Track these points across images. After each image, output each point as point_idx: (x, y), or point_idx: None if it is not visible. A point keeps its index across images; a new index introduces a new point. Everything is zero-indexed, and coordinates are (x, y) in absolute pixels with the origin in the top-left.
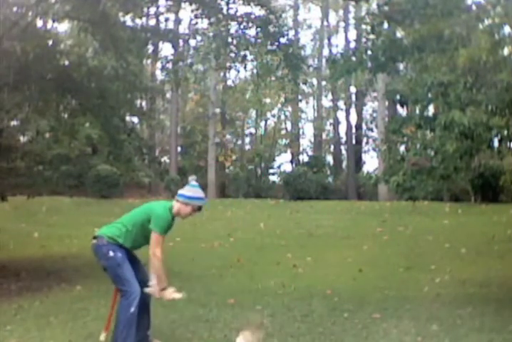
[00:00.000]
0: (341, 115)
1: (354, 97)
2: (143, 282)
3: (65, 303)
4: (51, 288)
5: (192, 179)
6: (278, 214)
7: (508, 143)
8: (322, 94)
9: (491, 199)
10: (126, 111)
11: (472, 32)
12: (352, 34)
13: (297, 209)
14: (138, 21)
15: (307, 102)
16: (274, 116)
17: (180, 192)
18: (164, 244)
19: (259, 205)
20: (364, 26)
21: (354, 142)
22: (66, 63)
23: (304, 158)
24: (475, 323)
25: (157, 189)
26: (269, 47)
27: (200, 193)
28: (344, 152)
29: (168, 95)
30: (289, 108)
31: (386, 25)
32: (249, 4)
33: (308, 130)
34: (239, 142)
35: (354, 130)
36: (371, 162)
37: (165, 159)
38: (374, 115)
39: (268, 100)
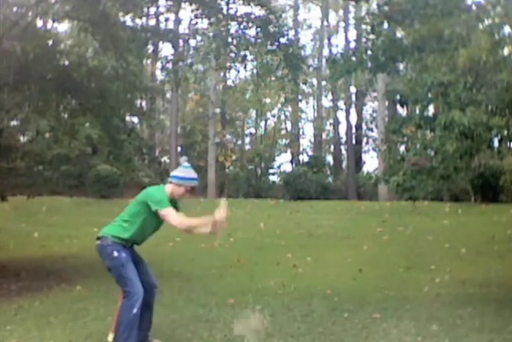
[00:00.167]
0: (341, 115)
1: (354, 97)
2: (148, 283)
3: (65, 303)
4: (51, 288)
5: (185, 160)
6: (278, 214)
7: (508, 143)
8: (322, 94)
9: (491, 199)
10: (126, 111)
11: (472, 32)
12: (352, 34)
13: (297, 209)
14: (138, 21)
15: (307, 102)
16: (274, 116)
17: (173, 173)
18: (181, 214)
19: (259, 205)
20: (364, 26)
21: (354, 142)
22: (66, 63)
23: (304, 158)
24: (475, 323)
25: None
26: (269, 47)
27: (192, 173)
28: (344, 152)
29: (168, 95)
30: (289, 108)
31: (386, 25)
32: (249, 4)
33: (308, 130)
34: (239, 142)
35: (354, 130)
36: (371, 162)
37: (165, 159)
38: (374, 115)
39: (268, 100)
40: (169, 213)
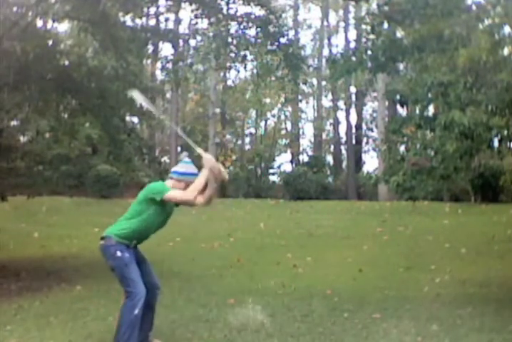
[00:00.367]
0: (341, 115)
1: (354, 97)
2: (151, 284)
3: (65, 303)
4: (51, 288)
5: (185, 156)
6: (278, 214)
7: (508, 143)
8: (322, 94)
9: (491, 199)
10: (126, 111)
11: (472, 32)
12: (352, 34)
13: (297, 209)
14: (138, 21)
15: (307, 102)
16: (274, 116)
17: (173, 169)
18: (182, 191)
19: (259, 205)
20: (364, 26)
21: (354, 142)
22: (66, 63)
23: (304, 158)
24: (475, 323)
25: None
26: (269, 47)
27: (192, 169)
28: (344, 152)
29: (168, 95)
30: (289, 108)
31: (386, 25)
32: (249, 4)
33: (308, 130)
34: (239, 142)
35: (354, 130)
36: (371, 162)
37: (165, 159)
38: (374, 115)
39: (268, 100)
40: (175, 194)
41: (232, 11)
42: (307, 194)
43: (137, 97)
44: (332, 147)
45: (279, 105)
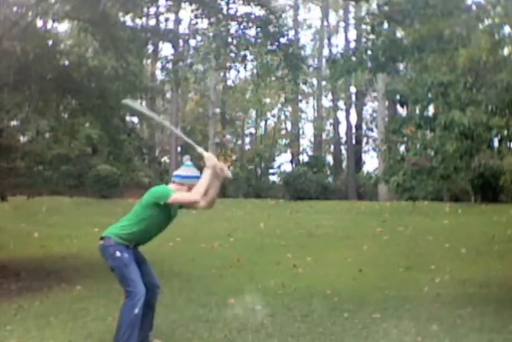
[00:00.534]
0: (341, 115)
1: (354, 97)
2: (151, 284)
3: (65, 303)
4: (51, 288)
5: (187, 159)
6: (278, 214)
7: (508, 143)
8: (322, 94)
9: (491, 199)
10: (126, 111)
11: (472, 32)
12: (352, 34)
13: (297, 209)
14: (138, 21)
15: (307, 102)
16: (274, 116)
17: (175, 172)
18: (186, 193)
19: (259, 205)
20: (364, 26)
21: (354, 142)
22: (66, 63)
23: (304, 158)
24: (475, 323)
25: None
26: (269, 47)
27: (194, 172)
28: (344, 152)
29: (168, 95)
30: (289, 108)
31: (386, 25)
32: (249, 4)
33: (308, 130)
34: (239, 142)
35: (354, 130)
36: (371, 162)
37: (165, 159)
38: (374, 115)
39: (268, 100)
40: (181, 196)
41: (232, 11)
42: (307, 194)
43: (132, 105)
44: (332, 147)
45: (279, 105)
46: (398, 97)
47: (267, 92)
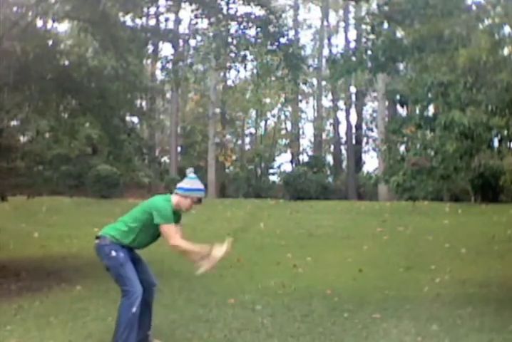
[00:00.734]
0: (341, 115)
1: (354, 97)
2: (147, 282)
3: (65, 303)
4: (51, 288)
5: (190, 172)
6: (278, 214)
7: (508, 143)
8: (322, 94)
9: (491, 199)
10: (126, 111)
11: (472, 32)
12: (352, 34)
13: (297, 209)
14: (138, 21)
15: (307, 102)
16: (274, 116)
17: (179, 185)
18: (179, 231)
19: (259, 205)
20: (364, 26)
21: (354, 142)
22: (66, 63)
23: (304, 158)
24: (475, 323)
25: (157, 189)
26: (269, 47)
27: (198, 184)
28: (344, 152)
29: (168, 95)
30: (289, 108)
31: (386, 25)
32: (249, 4)
33: (308, 130)
34: (239, 142)
35: (354, 130)
36: (371, 162)
37: (165, 159)
38: (374, 115)
39: (268, 100)
40: (170, 231)
41: (232, 11)
42: (307, 194)
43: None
44: (332, 147)
45: (279, 105)
46: (398, 97)
47: (267, 92)
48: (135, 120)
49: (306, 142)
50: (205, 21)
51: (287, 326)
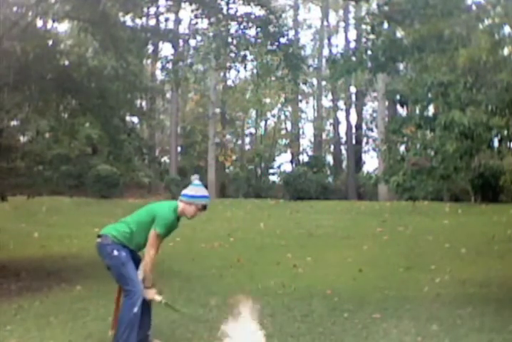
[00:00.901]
0: (341, 115)
1: (354, 97)
2: None
3: (65, 303)
4: (51, 288)
5: (195, 179)
6: (278, 214)
7: (508, 143)
8: (322, 94)
9: (491, 199)
10: (126, 111)
11: (472, 32)
12: (352, 34)
13: (297, 209)
14: (138, 21)
15: (307, 102)
16: (274, 116)
17: (183, 191)
18: (160, 245)
19: (259, 205)
20: (364, 26)
21: (354, 142)
22: (66, 63)
23: (304, 158)
24: (475, 323)
25: (157, 189)
26: (269, 47)
27: (202, 191)
28: (344, 152)
29: (168, 95)
30: (289, 108)
31: (386, 25)
32: (249, 4)
33: (308, 130)
34: (239, 142)
35: (354, 130)
36: (371, 162)
37: (165, 159)
38: (374, 115)
39: (268, 100)
40: (156, 241)
41: (232, 11)
42: (307, 194)
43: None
44: (332, 147)
45: (279, 105)
46: (398, 97)
47: (267, 92)
48: (135, 120)
49: (306, 142)
50: (205, 21)
51: (287, 326)
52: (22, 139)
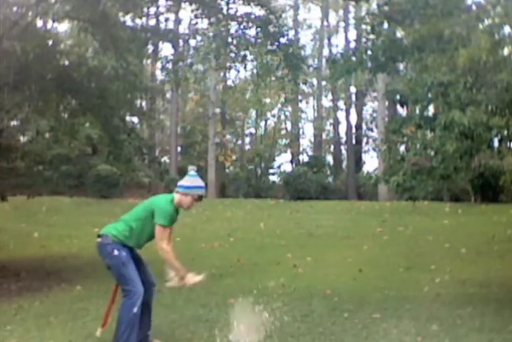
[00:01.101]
0: (341, 115)
1: (354, 97)
2: (147, 282)
3: (65, 303)
4: (51, 288)
5: (192, 169)
6: (278, 214)
7: (508, 143)
8: (322, 94)
9: (491, 199)
10: (126, 111)
11: (472, 32)
12: (352, 34)
13: (297, 209)
14: (138, 21)
15: (307, 102)
16: (274, 116)
17: (179, 183)
18: (170, 235)
19: (259, 205)
20: (364, 26)
21: (354, 142)
22: (66, 63)
23: (304, 158)
24: (475, 323)
25: (157, 189)
26: (269, 47)
27: (198, 182)
28: (344, 152)
29: (168, 95)
30: (289, 108)
31: (386, 25)
32: (249, 4)
33: (308, 130)
34: (239, 142)
35: (354, 130)
36: (371, 162)
37: (165, 159)
38: (374, 115)
39: (268, 100)
40: (163, 234)
41: (232, 11)
42: (307, 194)
43: None
44: (332, 147)
45: (279, 105)
46: (398, 97)
47: (267, 92)
48: (135, 120)
49: (306, 142)
50: (205, 21)
51: (287, 326)
52: (22, 139)
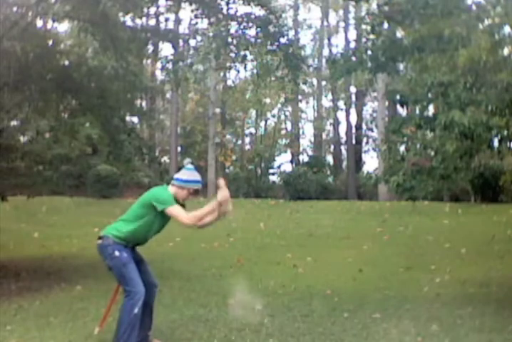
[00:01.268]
0: (341, 115)
1: (354, 97)
2: (148, 283)
3: (65, 303)
4: (51, 288)
5: (188, 162)
6: (278, 214)
7: (508, 143)
8: (322, 94)
9: (491, 199)
10: (126, 111)
11: (472, 32)
12: (352, 34)
13: (297, 209)
14: (138, 21)
15: (307, 102)
16: (274, 116)
17: (176, 175)
18: (184, 211)
19: (259, 205)
20: (364, 26)
21: (354, 142)
22: (66, 63)
23: (304, 158)
24: (476, 323)
25: None
26: (269, 47)
27: (195, 176)
28: (344, 152)
29: (168, 95)
30: (289, 108)
31: (386, 25)
32: (249, 4)
33: (308, 130)
34: (239, 142)
35: (354, 130)
36: (371, 162)
37: (165, 159)
38: (374, 115)
39: (268, 100)
40: (178, 211)
41: (232, 11)
42: (307, 194)
43: None
44: (332, 147)
45: (279, 105)
46: (398, 97)
47: (267, 92)
48: (135, 120)
49: (306, 142)
50: (205, 21)
51: (287, 326)
52: (22, 139)
